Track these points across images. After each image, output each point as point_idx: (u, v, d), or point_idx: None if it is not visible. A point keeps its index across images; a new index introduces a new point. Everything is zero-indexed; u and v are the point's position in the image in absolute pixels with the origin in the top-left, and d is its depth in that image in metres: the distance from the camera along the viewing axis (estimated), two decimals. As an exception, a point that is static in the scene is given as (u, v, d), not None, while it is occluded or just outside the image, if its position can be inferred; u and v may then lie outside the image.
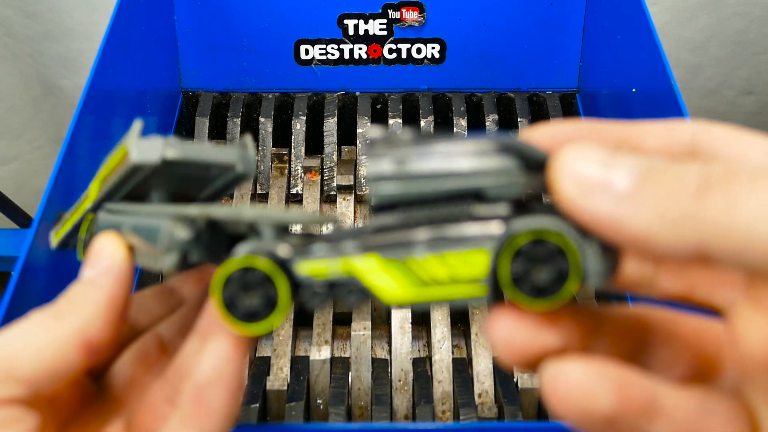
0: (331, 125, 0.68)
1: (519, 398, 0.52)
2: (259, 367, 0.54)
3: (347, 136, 0.70)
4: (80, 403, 0.28)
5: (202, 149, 0.25)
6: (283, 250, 0.22)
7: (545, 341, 0.20)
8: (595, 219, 0.18)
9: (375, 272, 0.21)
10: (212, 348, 0.24)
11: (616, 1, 0.63)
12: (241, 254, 0.22)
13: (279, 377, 0.53)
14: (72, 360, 0.25)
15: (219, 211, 0.24)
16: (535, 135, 0.22)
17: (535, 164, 0.20)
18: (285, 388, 0.53)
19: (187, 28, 0.70)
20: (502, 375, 0.53)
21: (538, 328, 0.20)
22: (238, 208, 0.24)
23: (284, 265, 0.22)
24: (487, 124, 0.69)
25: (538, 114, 0.71)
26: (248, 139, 0.27)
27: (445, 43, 0.70)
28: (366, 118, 0.69)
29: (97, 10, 0.88)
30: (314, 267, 0.21)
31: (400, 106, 0.70)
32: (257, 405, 0.50)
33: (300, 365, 0.54)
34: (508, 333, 0.20)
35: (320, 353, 0.54)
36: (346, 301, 0.21)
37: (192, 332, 0.26)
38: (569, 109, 0.72)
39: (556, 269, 0.20)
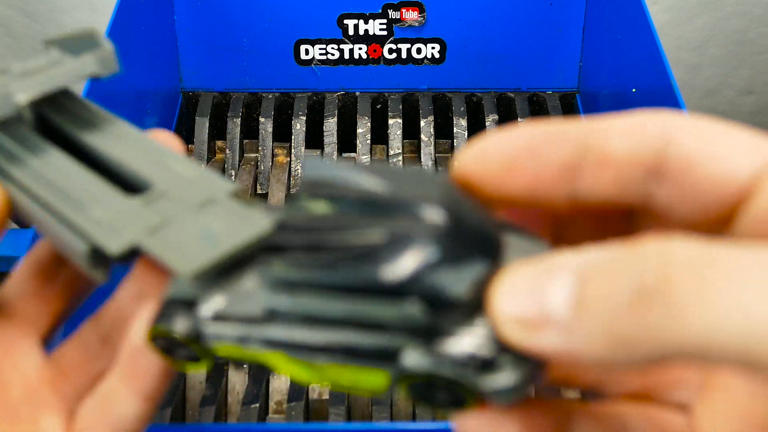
0: (331, 125, 0.68)
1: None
2: (259, 368, 0.54)
3: (347, 136, 0.70)
4: None
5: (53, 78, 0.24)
6: (188, 326, 0.21)
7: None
8: (549, 355, 0.17)
9: (285, 365, 0.20)
10: (148, 312, 0.24)
11: (616, 1, 0.63)
12: (157, 322, 0.22)
13: (279, 377, 0.53)
14: None
15: None
16: (492, 144, 0.20)
17: (447, 302, 0.18)
18: (285, 387, 0.53)
19: (187, 28, 0.70)
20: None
21: (502, 420, 0.20)
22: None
23: (200, 336, 0.21)
24: (487, 124, 0.69)
25: (538, 114, 0.71)
26: (93, 31, 0.26)
27: (445, 43, 0.70)
28: (366, 118, 0.69)
29: (97, 10, 0.88)
30: (228, 349, 0.21)
31: (400, 106, 0.70)
32: (257, 405, 0.50)
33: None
34: (474, 425, 0.20)
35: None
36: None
37: (129, 277, 0.25)
38: (569, 109, 0.72)
39: (452, 396, 0.19)
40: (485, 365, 0.18)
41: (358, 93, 0.72)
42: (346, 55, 0.71)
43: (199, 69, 0.72)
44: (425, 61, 0.71)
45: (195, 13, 0.69)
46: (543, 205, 0.20)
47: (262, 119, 0.69)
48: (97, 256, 0.22)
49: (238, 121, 0.69)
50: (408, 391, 0.19)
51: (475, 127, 0.70)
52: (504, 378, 0.18)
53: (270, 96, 0.71)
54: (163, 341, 0.22)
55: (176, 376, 0.25)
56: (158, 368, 0.24)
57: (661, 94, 0.53)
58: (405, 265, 0.18)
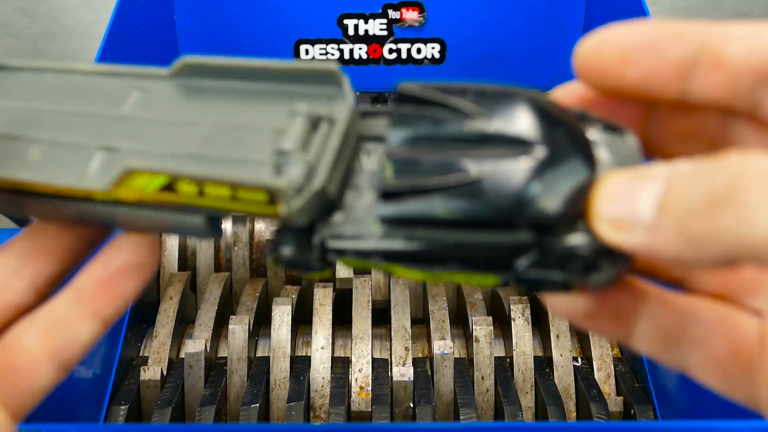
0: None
1: (519, 398, 0.52)
2: (260, 367, 0.54)
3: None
4: None
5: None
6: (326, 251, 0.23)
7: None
8: (634, 251, 0.19)
9: (404, 272, 0.22)
10: (130, 241, 0.25)
11: (616, 1, 0.63)
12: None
13: (278, 377, 0.53)
14: None
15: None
16: (612, 36, 0.21)
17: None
18: (285, 387, 0.53)
19: (187, 28, 0.70)
20: (502, 375, 0.53)
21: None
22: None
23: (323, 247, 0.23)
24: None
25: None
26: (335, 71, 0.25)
27: (445, 43, 0.70)
28: (366, 118, 0.69)
29: (97, 9, 0.88)
30: (349, 262, 0.23)
31: (400, 106, 0.70)
32: (257, 405, 0.50)
33: (300, 365, 0.54)
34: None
35: (320, 353, 0.54)
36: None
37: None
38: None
39: (559, 287, 0.21)
40: (586, 264, 0.21)
41: (358, 93, 0.72)
42: (346, 55, 0.71)
43: (199, 69, 0.72)
44: (425, 61, 0.71)
45: (195, 13, 0.69)
46: (651, 100, 0.22)
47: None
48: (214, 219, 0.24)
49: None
50: (518, 284, 0.21)
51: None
52: (601, 275, 0.21)
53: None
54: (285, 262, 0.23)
55: (132, 302, 0.26)
56: (130, 295, 0.25)
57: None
58: (509, 198, 0.20)
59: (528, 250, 0.20)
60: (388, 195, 0.21)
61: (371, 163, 0.24)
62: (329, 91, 0.25)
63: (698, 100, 0.21)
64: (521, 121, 0.21)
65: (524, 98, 0.22)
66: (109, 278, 0.25)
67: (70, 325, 0.25)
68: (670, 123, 0.23)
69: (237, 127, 0.25)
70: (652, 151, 0.24)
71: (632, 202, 0.19)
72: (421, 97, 0.22)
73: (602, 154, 0.21)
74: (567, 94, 0.24)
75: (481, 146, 0.21)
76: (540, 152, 0.20)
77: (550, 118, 0.21)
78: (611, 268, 0.21)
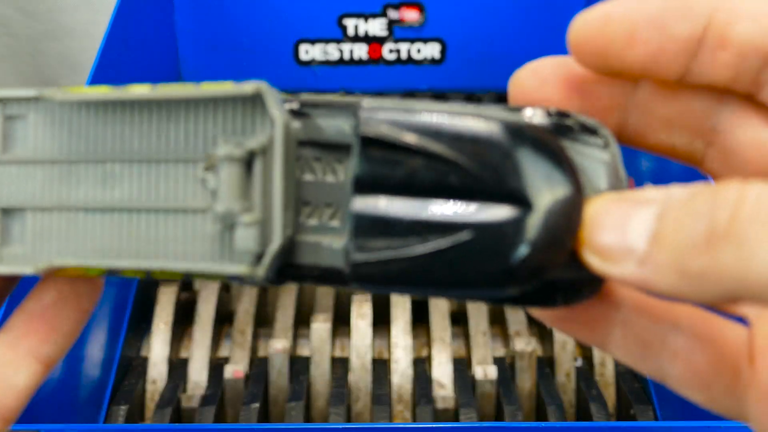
0: (331, 125, 0.68)
1: (518, 398, 0.52)
2: (259, 367, 0.54)
3: (347, 136, 0.70)
4: None
5: None
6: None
7: None
8: (625, 282, 0.18)
9: None
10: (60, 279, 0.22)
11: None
12: None
13: (278, 377, 0.53)
14: None
15: None
16: (617, 9, 0.20)
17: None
18: (284, 387, 0.53)
19: (187, 28, 0.70)
20: (501, 375, 0.53)
21: None
22: None
23: None
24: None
25: (538, 114, 0.71)
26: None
27: (445, 43, 0.70)
28: (366, 118, 0.69)
29: (97, 9, 0.88)
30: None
31: (400, 106, 0.70)
32: (257, 405, 0.50)
33: (300, 365, 0.54)
34: None
35: (320, 353, 0.54)
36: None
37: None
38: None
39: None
40: (567, 293, 0.20)
41: (358, 93, 0.72)
42: (346, 55, 0.71)
43: (199, 69, 0.72)
44: (425, 61, 0.71)
45: (195, 13, 0.69)
46: (652, 77, 0.20)
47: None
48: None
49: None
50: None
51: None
52: (581, 298, 0.20)
53: (270, 96, 0.71)
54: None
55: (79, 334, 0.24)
56: (71, 328, 0.23)
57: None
58: (497, 263, 0.18)
59: (513, 299, 0.19)
60: (358, 255, 0.19)
61: (321, 174, 0.20)
62: (251, 114, 0.20)
63: (697, 81, 0.19)
64: (504, 171, 0.19)
65: (502, 140, 0.19)
66: (44, 312, 0.22)
67: (2, 370, 0.22)
68: (652, 108, 0.21)
69: (154, 173, 0.21)
70: (629, 139, 0.22)
71: (624, 230, 0.18)
72: (392, 141, 0.19)
73: (587, 174, 0.19)
74: (536, 75, 0.22)
75: (462, 200, 0.19)
76: (524, 206, 0.18)
77: (531, 156, 0.19)
78: (591, 291, 0.20)
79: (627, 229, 0.17)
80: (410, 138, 0.19)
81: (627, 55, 0.20)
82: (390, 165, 0.19)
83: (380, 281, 0.19)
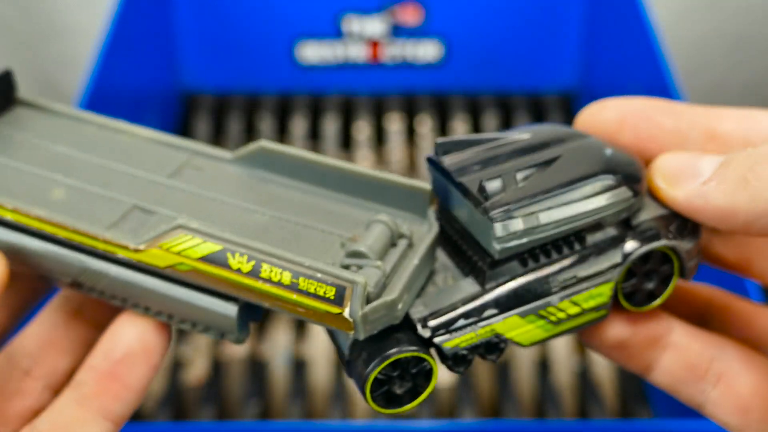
0: (330, 125, 0.68)
1: (519, 398, 0.52)
2: (260, 367, 0.54)
3: (347, 137, 0.70)
4: None
5: None
6: (425, 332, 0.22)
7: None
8: (687, 200, 0.21)
9: (516, 327, 0.22)
10: (134, 321, 0.23)
11: (616, 1, 0.63)
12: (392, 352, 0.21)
13: (278, 377, 0.53)
14: None
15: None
16: (606, 111, 0.24)
17: (634, 179, 0.23)
18: (285, 387, 0.53)
19: (187, 28, 0.70)
20: (502, 375, 0.53)
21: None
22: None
23: (430, 345, 0.22)
24: (486, 124, 0.69)
25: (538, 114, 0.71)
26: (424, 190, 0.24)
27: (445, 43, 0.70)
28: (365, 118, 0.69)
29: (97, 9, 0.88)
30: (462, 339, 0.22)
31: (400, 107, 0.70)
32: (257, 405, 0.50)
33: (300, 365, 0.54)
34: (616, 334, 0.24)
35: (320, 353, 0.54)
36: (490, 355, 0.23)
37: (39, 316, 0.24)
38: (569, 109, 0.72)
39: (662, 276, 0.23)
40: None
41: (358, 94, 0.72)
42: (346, 55, 0.71)
43: (199, 69, 0.72)
44: (425, 61, 0.71)
45: (195, 13, 0.69)
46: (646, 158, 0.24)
47: (261, 119, 0.69)
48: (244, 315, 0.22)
49: (238, 121, 0.69)
50: (623, 289, 0.23)
51: (475, 128, 0.70)
52: (686, 244, 0.23)
53: (269, 96, 0.71)
54: (379, 383, 0.21)
55: (143, 398, 0.23)
56: (140, 383, 0.22)
57: (660, 94, 0.53)
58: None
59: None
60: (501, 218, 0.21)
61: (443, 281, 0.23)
62: (411, 211, 0.23)
63: None
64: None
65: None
66: (113, 369, 0.22)
67: (73, 430, 0.22)
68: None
69: (301, 225, 0.23)
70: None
71: (695, 163, 0.21)
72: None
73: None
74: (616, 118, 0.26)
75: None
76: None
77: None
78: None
79: (697, 163, 0.21)
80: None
81: (619, 137, 0.24)
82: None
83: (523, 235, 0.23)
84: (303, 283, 0.20)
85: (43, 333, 0.25)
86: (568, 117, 0.71)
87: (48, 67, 0.95)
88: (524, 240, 0.22)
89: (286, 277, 0.20)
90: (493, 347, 0.23)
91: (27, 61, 0.95)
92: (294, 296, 0.20)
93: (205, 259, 0.21)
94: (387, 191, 0.23)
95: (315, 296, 0.20)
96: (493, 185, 0.22)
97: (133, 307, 0.23)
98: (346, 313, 0.20)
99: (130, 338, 0.22)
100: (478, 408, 0.52)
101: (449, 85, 0.72)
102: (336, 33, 0.70)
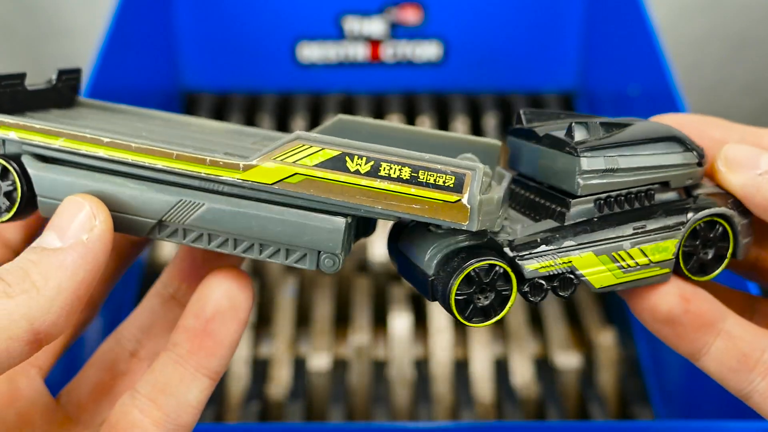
0: (331, 125, 0.68)
1: (519, 398, 0.52)
2: (260, 367, 0.54)
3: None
4: (42, 419, 0.25)
5: None
6: (509, 251, 0.24)
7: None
8: (742, 186, 0.24)
9: (590, 265, 0.24)
10: (220, 281, 0.24)
11: (616, 1, 0.63)
12: (472, 260, 0.23)
13: (280, 378, 0.53)
14: (12, 349, 0.20)
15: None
16: (663, 118, 0.27)
17: (698, 152, 0.26)
18: (285, 388, 0.53)
19: (187, 28, 0.70)
20: (501, 375, 0.53)
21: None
22: None
23: (513, 264, 0.24)
24: (486, 124, 0.69)
25: (538, 114, 0.71)
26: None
27: (445, 43, 0.70)
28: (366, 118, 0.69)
29: (97, 9, 0.88)
30: (542, 265, 0.24)
31: (400, 107, 0.70)
32: (257, 405, 0.50)
33: (300, 366, 0.54)
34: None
35: (321, 353, 0.54)
36: (563, 290, 0.24)
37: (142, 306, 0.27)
38: (569, 109, 0.72)
39: (718, 251, 0.25)
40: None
41: (358, 93, 0.72)
42: (346, 55, 0.71)
43: (199, 69, 0.72)
44: (425, 61, 0.71)
45: (195, 13, 0.69)
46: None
47: (261, 119, 0.69)
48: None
49: (238, 120, 0.69)
50: (683, 250, 0.25)
51: (475, 128, 0.70)
52: (742, 219, 0.26)
53: (269, 96, 0.71)
54: (471, 286, 0.23)
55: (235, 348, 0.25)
56: (231, 339, 0.24)
57: (661, 94, 0.53)
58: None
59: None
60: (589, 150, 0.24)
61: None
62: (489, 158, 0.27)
63: None
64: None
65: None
66: (205, 327, 0.23)
67: (175, 387, 0.23)
68: None
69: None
70: None
71: (757, 155, 0.24)
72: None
73: None
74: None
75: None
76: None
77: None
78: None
79: (759, 156, 0.24)
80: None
81: None
82: None
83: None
84: (423, 175, 0.22)
85: (145, 318, 0.27)
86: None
87: (48, 67, 0.95)
88: (604, 180, 0.24)
89: (406, 172, 0.22)
90: (568, 283, 0.24)
91: (27, 61, 0.95)
92: (412, 190, 0.22)
93: (321, 165, 0.22)
94: (461, 149, 0.25)
95: (434, 186, 0.22)
96: (580, 131, 0.24)
97: (220, 246, 0.24)
98: (465, 199, 0.22)
99: (218, 297, 0.23)
100: (478, 408, 0.52)
101: (449, 84, 0.72)
102: (336, 33, 0.70)
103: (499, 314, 0.24)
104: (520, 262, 0.24)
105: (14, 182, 0.24)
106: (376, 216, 0.23)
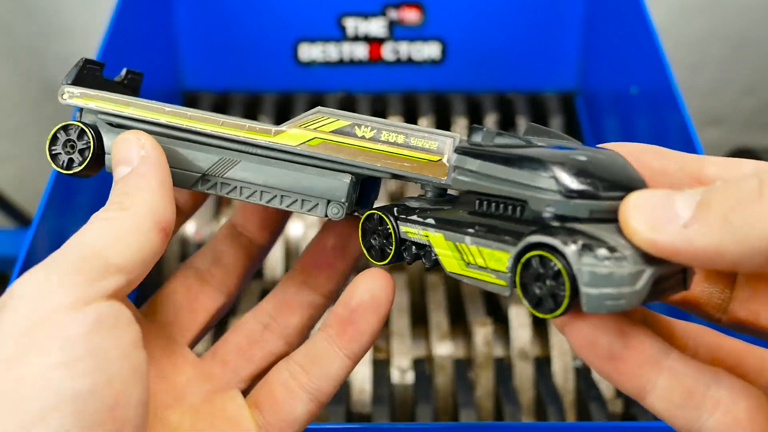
0: (331, 125, 0.68)
1: (519, 398, 0.52)
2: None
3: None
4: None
5: None
6: (395, 212, 0.29)
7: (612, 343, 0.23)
8: (670, 244, 0.21)
9: (441, 245, 0.27)
10: (366, 279, 0.28)
11: (616, 1, 0.63)
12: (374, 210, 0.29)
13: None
14: (152, 242, 0.26)
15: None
16: (609, 146, 0.25)
17: (570, 186, 0.24)
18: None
19: (187, 28, 0.70)
20: (502, 375, 0.53)
21: (606, 333, 0.23)
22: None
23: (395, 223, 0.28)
24: (486, 124, 0.69)
25: (538, 114, 0.71)
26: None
27: (445, 43, 0.70)
28: (366, 118, 0.69)
29: (97, 9, 0.88)
30: (409, 230, 0.28)
31: (400, 107, 0.70)
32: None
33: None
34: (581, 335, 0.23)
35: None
36: (426, 260, 0.28)
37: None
38: (569, 109, 0.72)
39: (552, 289, 0.22)
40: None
41: (358, 93, 0.72)
42: (346, 55, 0.71)
43: (199, 69, 0.72)
44: (425, 61, 0.71)
45: (195, 13, 0.69)
46: None
47: (261, 119, 0.69)
48: None
49: (238, 121, 0.69)
50: (519, 278, 0.24)
51: (475, 127, 0.70)
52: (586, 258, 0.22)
53: (270, 96, 0.71)
54: (369, 234, 0.29)
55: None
56: (371, 329, 0.28)
57: (661, 94, 0.53)
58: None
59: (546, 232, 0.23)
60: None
61: None
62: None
63: None
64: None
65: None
66: (350, 316, 0.29)
67: (322, 360, 0.29)
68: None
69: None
70: None
71: (671, 204, 0.21)
72: None
73: None
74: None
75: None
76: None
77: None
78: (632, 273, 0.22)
79: (673, 203, 0.21)
80: None
81: None
82: None
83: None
84: (414, 140, 0.27)
85: (279, 297, 0.33)
86: (568, 116, 0.71)
87: (49, 67, 0.95)
88: (470, 180, 0.26)
89: (401, 138, 0.28)
90: (429, 255, 0.28)
91: (28, 61, 0.95)
92: (405, 151, 0.27)
93: (335, 131, 0.28)
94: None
95: (422, 149, 0.27)
96: (476, 136, 0.27)
97: (249, 197, 0.30)
98: (445, 159, 0.27)
99: (362, 292, 0.28)
100: (478, 409, 0.52)
101: (449, 84, 0.72)
102: (336, 33, 0.70)
103: (387, 257, 0.29)
104: (398, 223, 0.28)
105: (88, 142, 0.30)
106: (375, 173, 0.28)
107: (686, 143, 0.47)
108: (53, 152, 0.31)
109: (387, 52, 0.70)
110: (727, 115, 1.01)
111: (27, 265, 0.40)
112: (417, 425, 0.44)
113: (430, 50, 0.71)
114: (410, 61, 0.71)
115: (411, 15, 0.69)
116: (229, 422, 0.29)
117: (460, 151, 0.26)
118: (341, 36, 0.70)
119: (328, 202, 0.29)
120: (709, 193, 0.20)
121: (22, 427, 0.21)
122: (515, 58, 0.71)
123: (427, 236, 0.27)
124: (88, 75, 0.32)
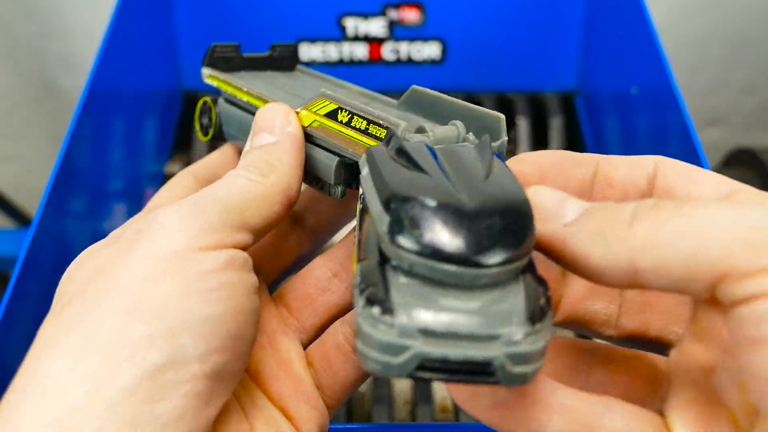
0: (331, 125, 0.68)
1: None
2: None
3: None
4: None
5: None
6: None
7: None
8: (547, 238, 0.22)
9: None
10: None
11: (616, 1, 0.63)
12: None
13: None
14: (278, 215, 0.28)
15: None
16: (524, 166, 0.26)
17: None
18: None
19: (187, 28, 0.70)
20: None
21: None
22: None
23: None
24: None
25: (538, 114, 0.71)
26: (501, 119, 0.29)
27: (445, 43, 0.70)
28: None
29: (97, 10, 0.88)
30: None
31: (400, 106, 0.70)
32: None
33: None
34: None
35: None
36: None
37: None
38: (569, 109, 0.72)
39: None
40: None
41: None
42: (346, 55, 0.71)
43: (199, 69, 0.72)
44: (425, 61, 0.71)
45: (195, 13, 0.69)
46: None
47: (262, 119, 0.69)
48: None
49: (238, 121, 0.69)
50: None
51: (475, 127, 0.70)
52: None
53: (270, 96, 0.71)
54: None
55: None
56: None
57: (661, 94, 0.53)
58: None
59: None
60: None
61: None
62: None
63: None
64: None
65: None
66: None
67: None
68: None
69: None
70: None
71: (561, 204, 0.22)
72: None
73: None
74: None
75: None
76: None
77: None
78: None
79: (565, 204, 0.22)
80: None
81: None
82: None
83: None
84: (372, 128, 0.28)
85: (349, 246, 0.32)
86: (568, 116, 0.71)
87: (49, 67, 0.95)
88: (362, 182, 0.26)
89: (363, 124, 0.28)
90: None
91: (28, 61, 0.95)
92: (364, 138, 0.28)
93: (326, 115, 0.29)
94: (465, 117, 0.30)
95: (376, 137, 0.27)
96: (391, 141, 0.26)
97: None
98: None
99: None
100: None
101: (449, 84, 0.72)
102: (336, 33, 0.70)
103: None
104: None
105: (211, 117, 0.36)
106: (350, 157, 0.29)
107: (686, 143, 0.47)
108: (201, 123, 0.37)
109: (387, 52, 0.70)
110: (727, 115, 1.01)
111: (27, 265, 0.40)
112: (417, 425, 0.44)
113: (430, 50, 0.71)
114: (410, 61, 0.71)
115: (411, 15, 0.69)
116: (290, 376, 0.30)
117: (369, 151, 0.25)
118: (341, 36, 0.70)
119: (330, 183, 0.30)
120: (596, 206, 0.22)
121: (149, 337, 0.22)
122: (515, 58, 0.71)
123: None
124: (222, 57, 0.38)
